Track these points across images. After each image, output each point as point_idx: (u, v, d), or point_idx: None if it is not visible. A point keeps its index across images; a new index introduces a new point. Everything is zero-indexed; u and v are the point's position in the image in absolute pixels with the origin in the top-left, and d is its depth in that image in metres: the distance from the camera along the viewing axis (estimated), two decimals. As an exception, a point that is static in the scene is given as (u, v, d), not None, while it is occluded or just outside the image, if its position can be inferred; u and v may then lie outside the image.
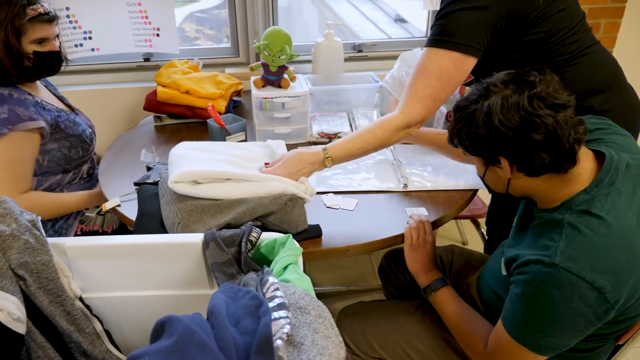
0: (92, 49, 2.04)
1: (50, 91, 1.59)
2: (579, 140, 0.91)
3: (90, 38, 2.02)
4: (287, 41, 1.60)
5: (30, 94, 1.43)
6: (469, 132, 0.96)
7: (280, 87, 1.65)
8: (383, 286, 1.64)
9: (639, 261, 0.90)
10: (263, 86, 1.66)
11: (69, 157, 1.51)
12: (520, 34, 1.18)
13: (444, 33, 1.18)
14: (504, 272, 1.05)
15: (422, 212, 1.31)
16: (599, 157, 0.97)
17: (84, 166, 1.59)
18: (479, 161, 1.02)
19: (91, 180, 1.63)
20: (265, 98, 1.62)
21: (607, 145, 1.00)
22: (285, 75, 1.66)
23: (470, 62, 1.19)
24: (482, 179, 1.06)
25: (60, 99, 1.60)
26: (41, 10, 1.35)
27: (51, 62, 1.43)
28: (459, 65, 1.18)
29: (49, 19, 1.38)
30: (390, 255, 1.59)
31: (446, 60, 1.18)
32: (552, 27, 1.19)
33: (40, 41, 1.38)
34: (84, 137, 1.54)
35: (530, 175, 0.94)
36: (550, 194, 0.97)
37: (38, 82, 1.51)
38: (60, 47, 1.45)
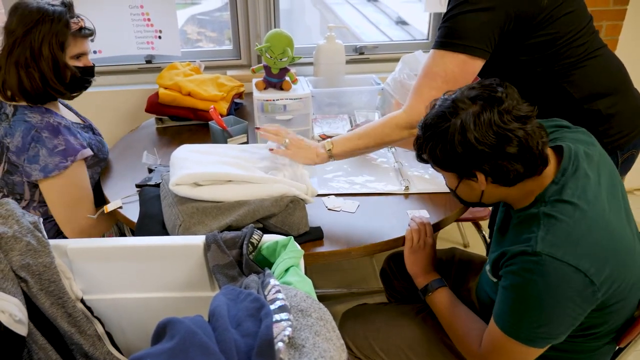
0: (94, 51, 2.05)
1: (65, 106, 1.57)
2: (545, 143, 0.95)
3: (92, 40, 2.03)
4: (289, 43, 1.60)
5: (62, 117, 1.41)
6: (443, 149, 0.96)
7: (281, 89, 1.66)
8: (385, 289, 1.64)
9: (616, 242, 0.94)
10: (265, 88, 1.67)
11: (96, 182, 1.51)
12: (527, 35, 1.18)
13: (450, 35, 1.18)
14: (492, 277, 1.06)
15: (423, 214, 1.31)
16: (557, 152, 1.02)
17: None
18: (451, 176, 1.03)
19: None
20: (267, 100, 1.63)
21: (562, 140, 1.04)
22: (287, 78, 1.66)
23: (477, 64, 1.18)
24: (454, 191, 1.07)
25: (77, 114, 1.59)
26: (82, 24, 1.35)
27: (86, 78, 1.42)
28: (465, 67, 1.18)
29: (90, 33, 1.38)
30: (392, 259, 1.59)
31: (452, 62, 1.18)
32: (560, 29, 1.19)
33: (79, 56, 1.38)
34: (107, 158, 1.55)
35: (506, 185, 0.97)
36: (523, 195, 1.00)
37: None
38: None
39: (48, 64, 1.29)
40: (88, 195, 1.42)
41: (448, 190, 1.39)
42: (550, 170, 0.98)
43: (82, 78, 1.40)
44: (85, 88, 1.45)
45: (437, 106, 0.99)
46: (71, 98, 1.45)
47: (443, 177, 1.08)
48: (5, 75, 1.30)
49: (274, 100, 1.63)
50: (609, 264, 0.91)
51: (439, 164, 1.00)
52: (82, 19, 1.36)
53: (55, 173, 1.30)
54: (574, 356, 1.05)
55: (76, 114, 1.60)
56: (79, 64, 1.39)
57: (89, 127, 1.55)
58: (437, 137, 0.96)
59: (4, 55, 1.29)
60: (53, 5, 1.31)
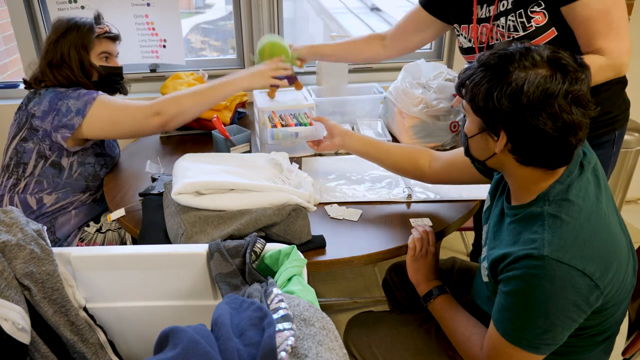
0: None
1: None
2: (579, 144, 0.90)
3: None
4: (284, 50, 1.60)
5: None
6: (489, 91, 0.89)
7: (293, 86, 1.67)
8: (387, 300, 1.63)
9: (618, 245, 0.94)
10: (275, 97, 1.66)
11: (97, 175, 1.58)
12: None
13: None
14: (486, 278, 1.04)
15: (426, 222, 1.31)
16: None
17: (101, 190, 1.61)
18: (475, 122, 0.96)
19: (103, 199, 1.61)
20: (272, 123, 1.63)
21: None
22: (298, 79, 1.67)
23: None
24: (468, 138, 1.00)
25: None
26: (107, 29, 1.57)
27: (114, 78, 1.59)
28: None
29: (114, 36, 1.60)
30: (394, 269, 1.58)
31: None
32: None
33: (106, 57, 1.57)
34: (114, 162, 1.66)
35: (519, 161, 0.93)
36: (525, 184, 0.96)
37: None
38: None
39: (76, 63, 1.50)
40: (123, 103, 1.49)
41: (450, 199, 1.41)
42: (558, 169, 0.95)
43: (109, 77, 1.57)
44: (116, 90, 1.62)
45: (510, 47, 0.90)
46: None
47: (463, 120, 1.02)
48: (41, 75, 1.51)
49: (279, 115, 1.64)
50: (612, 268, 0.91)
51: (475, 104, 0.92)
52: (107, 26, 1.59)
53: (89, 107, 1.44)
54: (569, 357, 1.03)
55: None
56: (107, 64, 1.58)
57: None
58: (491, 77, 0.89)
59: (41, 57, 1.53)
60: (82, 18, 1.54)
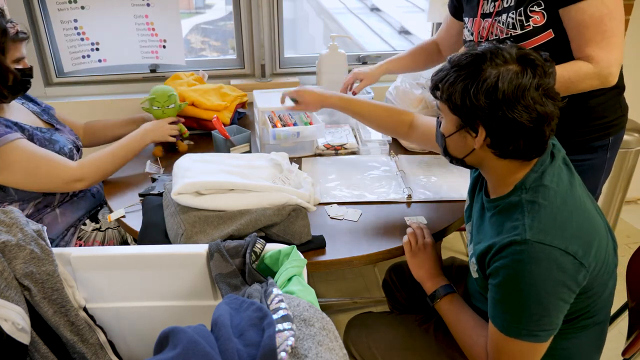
0: (99, 60, 2.07)
1: (27, 108, 1.55)
2: (552, 134, 0.95)
3: (97, 49, 2.05)
4: (170, 93, 1.69)
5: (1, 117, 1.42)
6: (465, 89, 0.92)
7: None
8: (387, 300, 1.63)
9: (596, 225, 0.97)
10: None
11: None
12: None
13: None
14: (475, 274, 1.04)
15: (420, 220, 1.31)
16: None
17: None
18: (453, 120, 0.99)
19: (86, 194, 1.59)
20: (272, 123, 1.63)
21: None
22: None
23: None
24: (445, 137, 1.03)
25: (38, 115, 1.56)
26: (17, 28, 1.40)
27: (27, 80, 1.46)
28: None
29: (25, 37, 1.43)
30: (393, 270, 1.58)
31: None
32: None
33: (18, 60, 1.42)
34: (62, 155, 1.48)
35: (498, 154, 0.96)
36: (503, 177, 1.00)
37: (13, 102, 1.49)
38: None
39: None
40: (41, 158, 1.38)
41: (450, 199, 1.41)
42: (532, 160, 0.98)
43: (23, 80, 1.44)
44: (27, 89, 1.48)
45: (479, 48, 0.95)
46: (9, 100, 1.45)
47: (439, 121, 1.05)
48: None
49: (278, 115, 1.64)
50: (594, 246, 0.93)
51: (452, 103, 0.96)
52: (16, 24, 1.40)
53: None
54: (563, 345, 1.04)
55: (41, 118, 1.56)
56: (19, 66, 1.43)
57: (39, 129, 1.50)
58: (465, 76, 0.93)
59: None
60: None
